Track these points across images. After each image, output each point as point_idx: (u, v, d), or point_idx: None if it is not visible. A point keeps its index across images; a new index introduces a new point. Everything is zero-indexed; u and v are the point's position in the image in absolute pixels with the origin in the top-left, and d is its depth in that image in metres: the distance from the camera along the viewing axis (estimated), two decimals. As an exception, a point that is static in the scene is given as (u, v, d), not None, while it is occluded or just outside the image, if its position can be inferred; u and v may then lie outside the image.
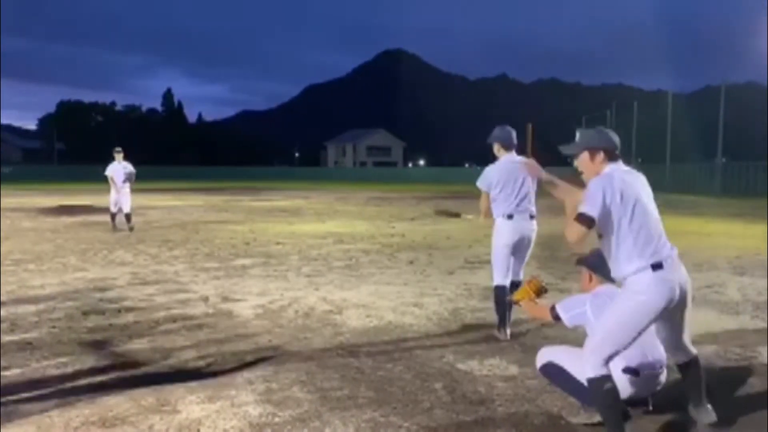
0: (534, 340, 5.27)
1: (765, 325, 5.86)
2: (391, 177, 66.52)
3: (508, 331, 5.34)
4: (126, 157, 14.55)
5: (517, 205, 5.36)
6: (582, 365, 3.22)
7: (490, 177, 5.43)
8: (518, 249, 5.54)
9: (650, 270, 3.07)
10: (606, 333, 3.17)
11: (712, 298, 7.02)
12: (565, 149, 3.50)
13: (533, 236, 5.56)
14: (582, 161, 3.36)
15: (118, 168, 14.35)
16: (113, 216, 14.18)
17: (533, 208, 5.44)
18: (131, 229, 13.63)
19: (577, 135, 3.58)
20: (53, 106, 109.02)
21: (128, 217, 14.01)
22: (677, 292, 3.14)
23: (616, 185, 3.13)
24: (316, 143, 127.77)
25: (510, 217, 5.39)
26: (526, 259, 5.73)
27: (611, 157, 3.29)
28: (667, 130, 43.34)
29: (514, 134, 5.64)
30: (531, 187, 5.38)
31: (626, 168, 3.32)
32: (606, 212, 3.10)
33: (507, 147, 5.54)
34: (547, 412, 3.73)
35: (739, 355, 4.89)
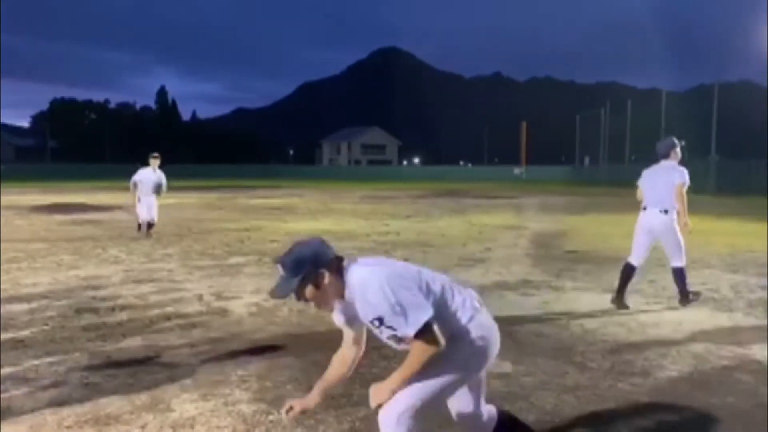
0: (528, 338, 5.28)
1: (758, 322, 5.89)
2: (386, 175, 66.47)
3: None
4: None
5: (653, 200, 6.48)
6: None
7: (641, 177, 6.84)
8: (653, 233, 6.53)
9: None
10: None
11: (705, 296, 7.04)
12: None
13: (662, 227, 6.43)
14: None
15: (150, 177, 12.47)
16: (141, 226, 12.47)
17: (669, 205, 6.37)
18: (149, 236, 12.19)
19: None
20: (46, 104, 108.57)
21: (151, 225, 12.48)
22: None
23: None
24: (310, 141, 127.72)
25: (644, 209, 6.55)
26: (671, 243, 6.49)
27: None
28: (661, 128, 43.49)
29: (660, 146, 6.83)
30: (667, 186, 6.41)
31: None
32: None
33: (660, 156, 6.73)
34: (541, 408, 3.74)
35: (732, 352, 4.91)
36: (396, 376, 2.58)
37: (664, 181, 6.44)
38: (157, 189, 12.46)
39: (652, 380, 4.25)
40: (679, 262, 6.45)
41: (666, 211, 6.37)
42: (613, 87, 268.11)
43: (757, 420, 3.60)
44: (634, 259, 6.58)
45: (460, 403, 2.78)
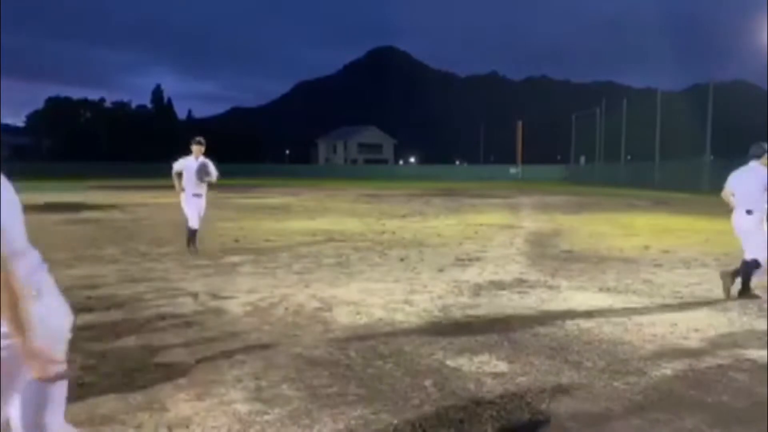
0: (523, 337, 5.29)
1: (753, 321, 5.91)
2: (382, 174, 66.55)
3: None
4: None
5: (740, 201, 6.85)
6: None
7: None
8: (739, 232, 6.90)
9: None
10: None
11: (699, 295, 7.07)
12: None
13: (746, 226, 6.73)
14: None
15: (192, 165, 10.26)
16: (193, 234, 10.32)
17: (755, 205, 6.62)
18: (193, 252, 10.06)
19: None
20: (41, 103, 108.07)
21: (194, 233, 10.33)
22: None
23: None
24: (306, 140, 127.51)
25: (734, 209, 6.94)
26: (751, 241, 6.72)
27: None
28: (657, 128, 43.64)
29: (755, 148, 6.98)
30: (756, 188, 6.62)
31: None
32: None
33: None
34: (536, 408, 3.75)
35: (727, 351, 4.93)
36: None
37: (754, 182, 6.67)
38: (203, 177, 10.27)
39: (647, 379, 4.26)
40: (753, 255, 6.62)
41: (751, 212, 6.62)
42: (608, 86, 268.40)
43: (752, 419, 3.61)
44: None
45: None
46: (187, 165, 10.26)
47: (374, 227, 14.45)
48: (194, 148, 10.27)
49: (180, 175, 10.37)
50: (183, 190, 10.29)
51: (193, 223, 10.23)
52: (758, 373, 4.40)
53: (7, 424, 2.26)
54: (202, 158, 10.27)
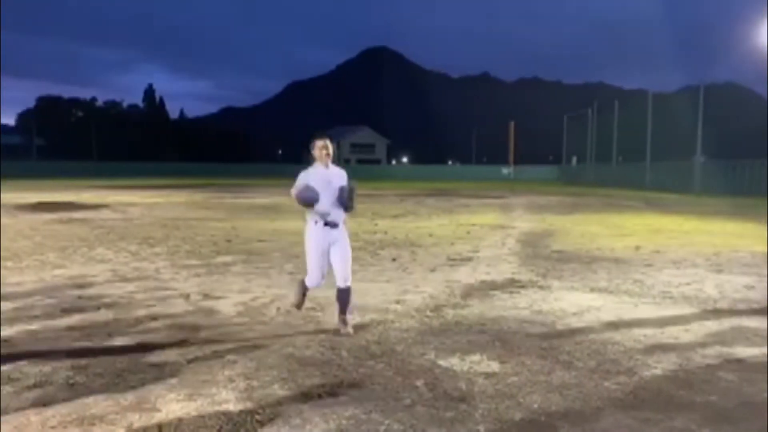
0: (515, 337, 5.30)
1: (741, 321, 5.95)
2: (375, 174, 66.49)
3: None
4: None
5: None
6: None
7: None
8: None
9: None
10: None
11: (690, 295, 7.11)
12: None
13: None
14: None
15: (326, 178, 5.62)
16: (304, 291, 5.76)
17: None
18: (347, 333, 5.42)
19: None
20: (32, 101, 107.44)
21: (346, 295, 5.60)
22: None
23: None
24: (299, 140, 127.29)
25: None
26: None
27: None
28: (648, 129, 43.85)
29: None
30: None
31: None
32: None
33: None
34: (528, 407, 3.76)
35: (716, 351, 4.96)
36: None
37: None
38: (342, 200, 5.63)
39: (637, 379, 4.28)
40: None
41: None
42: (600, 87, 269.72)
43: (740, 418, 3.64)
44: None
45: None
46: (321, 178, 5.57)
47: (366, 227, 14.45)
48: (317, 152, 5.65)
49: (312, 199, 5.59)
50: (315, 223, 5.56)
51: (315, 278, 5.59)
52: (747, 373, 4.43)
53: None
54: (334, 167, 5.78)
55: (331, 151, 5.69)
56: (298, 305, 5.78)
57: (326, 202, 5.47)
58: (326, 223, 5.51)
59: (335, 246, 5.51)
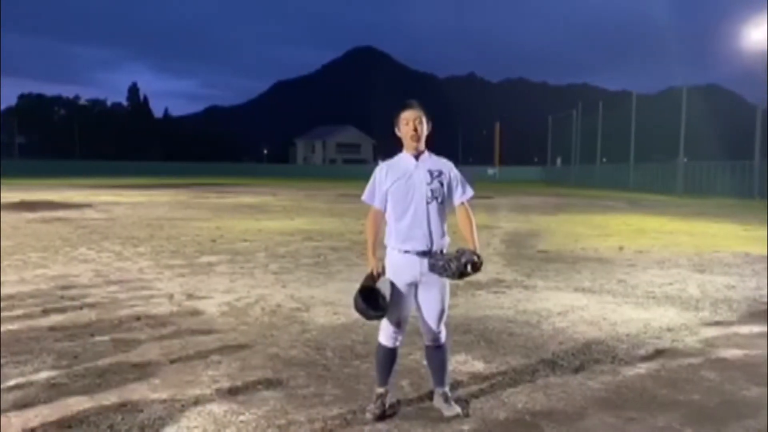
0: (499, 337, 5.32)
1: (723, 321, 6.02)
2: (361, 174, 66.48)
3: None
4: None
5: None
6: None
7: None
8: None
9: None
10: None
11: (672, 295, 7.18)
12: None
13: None
14: None
15: (410, 171, 3.82)
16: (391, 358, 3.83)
17: None
18: (463, 414, 3.63)
19: None
20: (14, 99, 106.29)
21: (443, 370, 3.79)
22: None
23: None
24: (285, 140, 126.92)
25: None
26: None
27: None
28: (632, 130, 44.23)
29: None
30: None
31: None
32: None
33: None
34: (512, 407, 3.77)
35: (698, 350, 5.01)
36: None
37: None
38: (442, 209, 4.05)
39: (620, 378, 4.31)
40: None
41: None
42: (584, 89, 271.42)
43: (721, 417, 3.68)
44: None
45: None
46: (402, 171, 3.92)
47: (353, 227, 14.42)
48: (404, 123, 3.82)
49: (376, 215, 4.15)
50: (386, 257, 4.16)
51: (388, 336, 3.88)
52: (729, 372, 4.48)
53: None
54: (435, 158, 4.01)
55: (425, 129, 3.75)
56: (381, 400, 3.65)
57: (423, 217, 3.88)
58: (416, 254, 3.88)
59: (431, 296, 3.90)
